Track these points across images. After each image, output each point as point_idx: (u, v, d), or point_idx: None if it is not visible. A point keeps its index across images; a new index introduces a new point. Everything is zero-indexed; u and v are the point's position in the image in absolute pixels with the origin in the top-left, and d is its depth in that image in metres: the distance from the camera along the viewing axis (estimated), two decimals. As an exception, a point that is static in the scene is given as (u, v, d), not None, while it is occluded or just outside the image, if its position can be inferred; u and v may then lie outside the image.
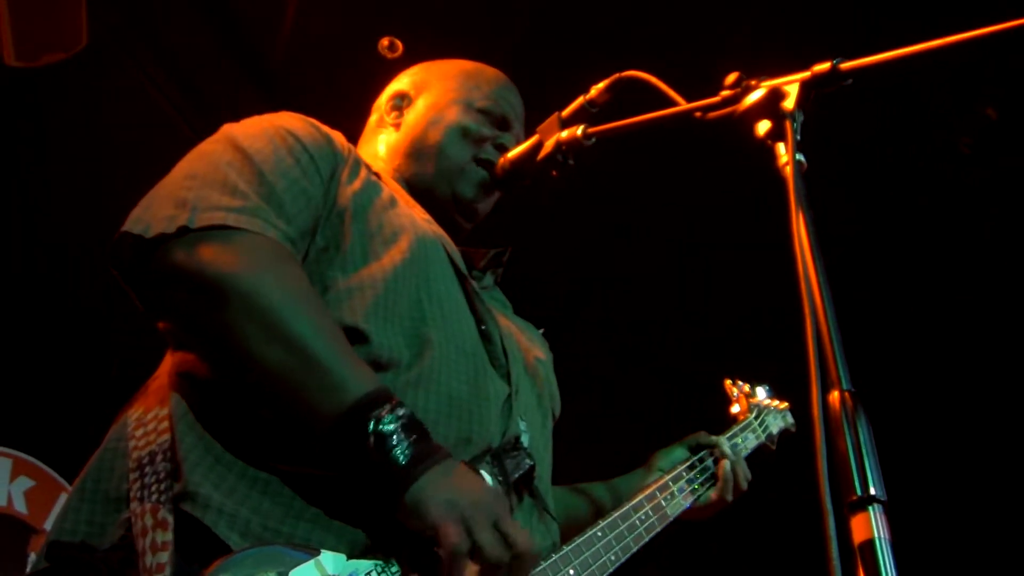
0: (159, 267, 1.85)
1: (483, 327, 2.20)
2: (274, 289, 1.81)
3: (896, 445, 2.61)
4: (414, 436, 1.74)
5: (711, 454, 2.74)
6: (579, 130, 2.18)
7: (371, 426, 1.71)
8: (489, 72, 2.66)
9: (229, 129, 2.12)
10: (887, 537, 1.30)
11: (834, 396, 1.41)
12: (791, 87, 1.77)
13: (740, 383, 3.22)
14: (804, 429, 1.38)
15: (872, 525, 1.30)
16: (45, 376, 4.65)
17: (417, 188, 2.46)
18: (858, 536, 1.30)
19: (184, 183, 1.94)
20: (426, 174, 2.47)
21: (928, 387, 5.48)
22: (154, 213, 1.88)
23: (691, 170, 4.72)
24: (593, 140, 2.17)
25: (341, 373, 1.76)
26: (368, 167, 2.27)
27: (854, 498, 1.32)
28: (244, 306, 1.78)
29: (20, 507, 4.59)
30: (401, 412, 1.75)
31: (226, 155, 2.01)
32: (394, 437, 1.71)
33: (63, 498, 4.52)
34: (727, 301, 5.65)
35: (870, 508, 1.31)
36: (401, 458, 1.71)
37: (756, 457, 3.01)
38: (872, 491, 1.33)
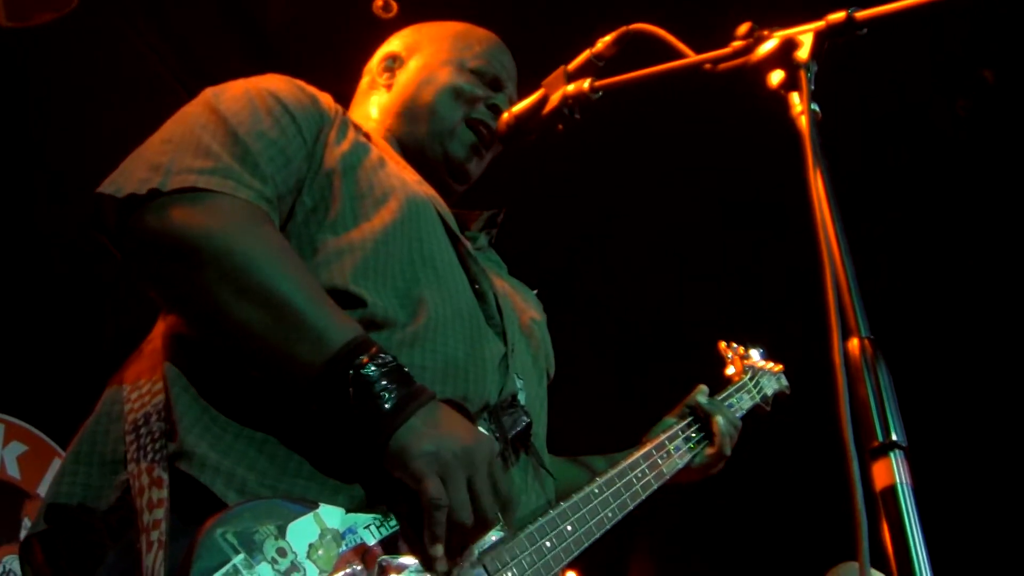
0: (133, 231, 1.85)
1: (477, 286, 2.20)
2: (246, 247, 1.80)
3: (915, 390, 2.60)
4: (396, 382, 1.75)
5: (698, 410, 2.75)
6: (586, 84, 2.16)
7: (352, 374, 1.72)
8: (481, 33, 2.65)
9: (209, 92, 2.11)
10: (909, 482, 1.30)
11: (853, 343, 1.41)
12: (805, 37, 1.75)
13: (735, 345, 3.23)
14: (824, 378, 1.37)
15: (894, 471, 1.30)
16: (37, 341, 4.64)
17: (409, 148, 2.46)
18: (880, 482, 1.30)
19: (160, 147, 1.94)
20: (418, 134, 2.47)
21: (946, 332, 5.49)
22: (128, 176, 1.88)
23: (690, 124, 4.69)
24: (600, 94, 2.15)
25: (318, 325, 1.77)
26: (358, 128, 2.27)
27: (875, 444, 1.33)
28: (216, 266, 1.78)
29: (13, 472, 4.59)
30: (382, 359, 1.76)
31: (202, 118, 2.01)
32: (376, 384, 1.73)
33: (56, 463, 4.53)
34: (731, 257, 5.65)
35: (891, 454, 1.32)
36: (385, 404, 1.72)
37: (773, 411, 3.04)
38: (893, 437, 1.33)
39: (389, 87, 2.56)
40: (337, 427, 1.76)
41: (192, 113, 2.04)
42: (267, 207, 1.93)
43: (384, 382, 1.73)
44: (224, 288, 1.78)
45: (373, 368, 1.74)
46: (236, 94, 2.08)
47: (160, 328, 2.02)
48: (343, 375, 1.73)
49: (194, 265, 1.79)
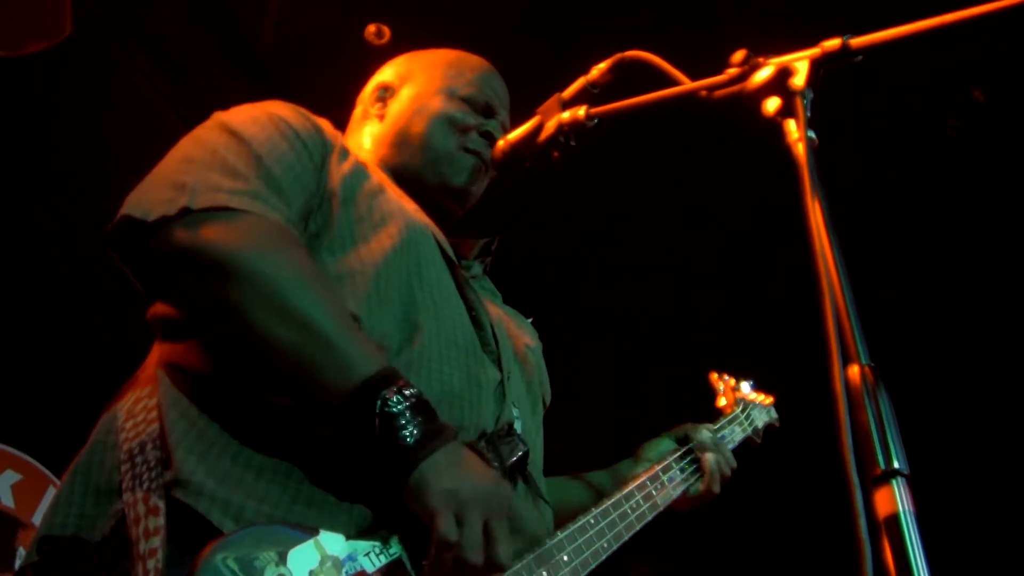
0: (161, 249, 1.85)
1: (473, 313, 2.21)
2: (281, 268, 1.81)
3: (916, 418, 2.61)
4: (420, 417, 1.74)
5: (695, 443, 2.75)
6: (581, 111, 2.16)
7: (378, 406, 1.72)
8: (472, 60, 2.65)
9: (221, 116, 2.12)
10: (911, 510, 1.30)
11: (854, 371, 1.40)
12: (800, 64, 1.76)
13: (725, 376, 3.25)
14: (825, 406, 1.38)
15: (896, 499, 1.30)
16: (31, 369, 4.61)
17: (404, 177, 2.45)
18: (883, 510, 1.30)
19: (181, 167, 1.94)
20: (413, 163, 2.46)
21: (946, 359, 5.49)
22: (153, 196, 1.88)
23: (680, 151, 4.70)
24: (595, 121, 2.15)
25: (348, 352, 1.76)
26: (355, 156, 2.27)
27: (878, 472, 1.32)
28: (251, 285, 1.78)
29: (7, 501, 4.55)
30: (408, 392, 1.75)
31: (221, 139, 2.01)
32: (401, 418, 1.72)
33: (51, 491, 4.50)
34: (732, 272, 5.66)
35: (893, 482, 1.31)
36: (408, 439, 1.72)
37: (776, 440, 3.04)
38: (895, 464, 1.32)
39: (382, 117, 2.56)
40: (356, 455, 1.76)
41: (209, 136, 2.04)
42: (293, 230, 1.95)
43: (409, 415, 1.73)
44: (257, 307, 1.77)
45: (399, 400, 1.73)
46: (249, 118, 2.09)
47: (155, 356, 2.02)
48: (369, 405, 1.72)
49: (228, 282, 1.79)
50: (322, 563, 1.63)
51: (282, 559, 1.60)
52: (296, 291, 1.79)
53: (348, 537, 1.70)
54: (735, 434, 2.99)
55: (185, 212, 1.83)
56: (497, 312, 2.39)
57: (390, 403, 1.72)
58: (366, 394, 1.73)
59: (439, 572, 1.70)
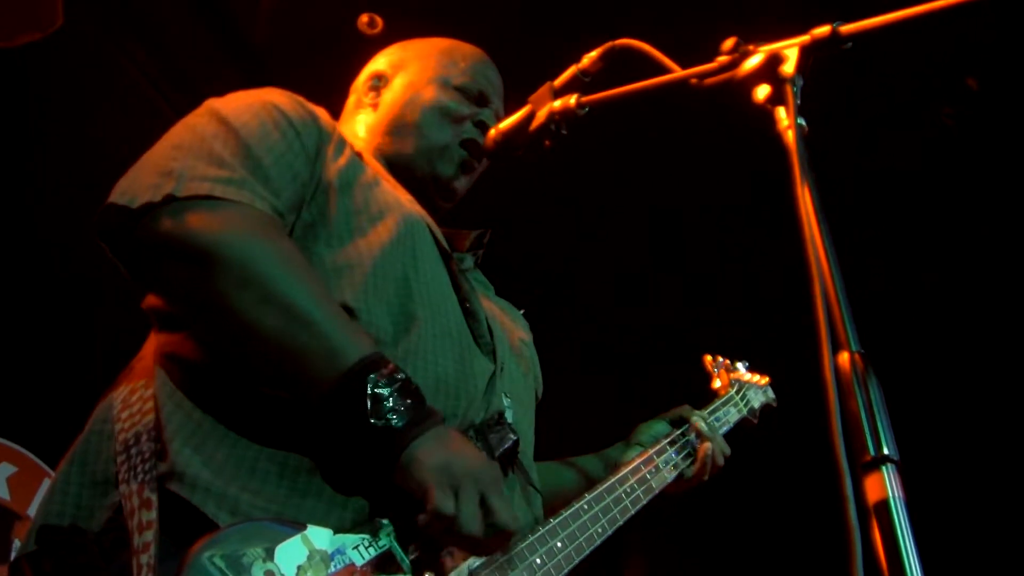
0: (145, 236, 1.85)
1: (468, 305, 2.21)
2: (265, 256, 1.81)
3: (906, 404, 2.61)
4: (409, 400, 1.75)
5: (693, 429, 2.75)
6: (572, 99, 2.16)
7: (368, 390, 1.72)
8: (466, 48, 2.65)
9: (214, 103, 2.11)
10: (901, 496, 1.30)
11: (844, 358, 1.41)
12: (790, 51, 1.76)
13: (720, 359, 3.24)
14: (815, 393, 1.38)
15: (886, 485, 1.30)
16: (26, 361, 4.61)
17: (396, 167, 2.45)
18: (872, 496, 1.30)
19: (169, 154, 1.94)
20: (405, 153, 2.46)
21: (937, 345, 5.50)
22: (139, 183, 1.87)
23: (685, 128, 4.68)
24: (586, 109, 2.15)
25: (337, 338, 1.77)
26: (351, 146, 2.26)
27: (868, 458, 1.32)
28: (236, 273, 1.78)
29: (3, 493, 4.55)
30: (398, 376, 1.76)
31: (211, 127, 2.00)
32: (390, 400, 1.73)
33: (46, 483, 4.50)
34: (727, 264, 5.66)
35: (883, 468, 1.31)
36: (397, 421, 1.72)
37: (767, 426, 3.03)
38: (885, 451, 1.32)
39: (375, 106, 2.55)
40: (346, 441, 1.76)
41: (199, 123, 2.03)
42: (280, 220, 1.94)
43: (398, 398, 1.74)
44: (243, 295, 1.77)
45: (387, 384, 1.74)
46: (242, 106, 2.08)
47: (151, 346, 2.02)
48: (358, 390, 1.73)
49: (213, 270, 1.79)
50: (310, 558, 1.64)
51: (269, 555, 1.60)
52: (281, 277, 1.79)
53: (339, 530, 1.70)
54: (730, 415, 2.97)
55: (170, 199, 1.83)
56: (490, 305, 2.40)
57: (379, 386, 1.73)
58: (354, 379, 1.73)
59: (434, 548, 1.71)
